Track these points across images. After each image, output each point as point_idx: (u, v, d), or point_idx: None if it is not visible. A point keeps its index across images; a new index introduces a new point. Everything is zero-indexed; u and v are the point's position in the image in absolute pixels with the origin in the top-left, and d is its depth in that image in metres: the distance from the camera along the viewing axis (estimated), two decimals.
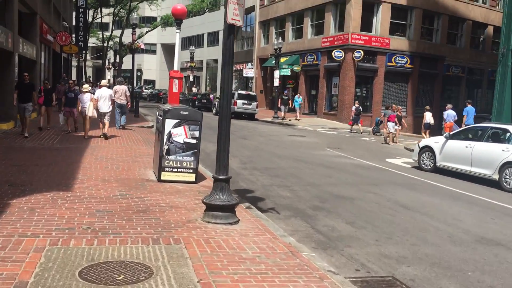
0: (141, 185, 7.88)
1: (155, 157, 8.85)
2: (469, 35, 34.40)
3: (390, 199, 8.91)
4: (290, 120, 27.73)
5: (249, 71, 40.15)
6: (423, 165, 13.31)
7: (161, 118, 8.40)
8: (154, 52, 68.89)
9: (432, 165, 13.06)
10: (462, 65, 33.78)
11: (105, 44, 47.86)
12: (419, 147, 13.69)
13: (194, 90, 44.93)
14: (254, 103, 28.57)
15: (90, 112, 13.17)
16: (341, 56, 28.86)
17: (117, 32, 46.77)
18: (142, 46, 47.41)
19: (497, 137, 11.78)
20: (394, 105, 22.16)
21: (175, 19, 11.50)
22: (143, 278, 4.07)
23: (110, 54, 50.14)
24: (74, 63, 40.38)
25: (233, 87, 28.53)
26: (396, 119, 20.60)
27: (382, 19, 29.55)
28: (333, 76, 30.90)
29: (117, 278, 4.02)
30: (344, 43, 28.94)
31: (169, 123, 8.18)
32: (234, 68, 33.30)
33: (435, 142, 13.26)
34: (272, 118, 28.67)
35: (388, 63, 30.07)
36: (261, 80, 39.97)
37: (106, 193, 7.11)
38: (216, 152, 6.12)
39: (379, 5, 29.46)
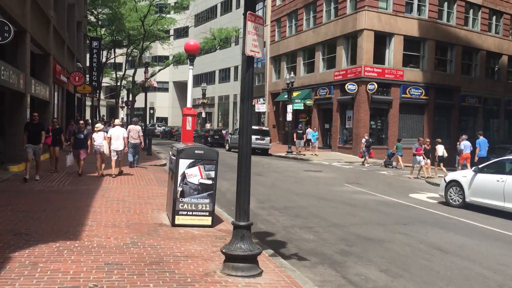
0: (154, 231, 7.31)
1: (169, 199, 8.32)
2: (483, 65, 33.99)
3: (423, 241, 8.18)
4: (304, 155, 27.16)
5: (261, 106, 40.04)
6: (451, 201, 12.55)
7: (174, 158, 7.91)
8: (166, 90, 69.62)
9: (460, 200, 12.29)
10: (478, 95, 33.20)
11: (119, 84, 48.42)
12: (445, 181, 12.96)
13: (208, 126, 44.86)
14: (268, 138, 28.16)
15: (106, 149, 13.35)
16: (354, 89, 28.54)
17: (130, 72, 47.38)
18: (155, 84, 47.76)
19: None
20: (421, 138, 21.13)
21: (188, 55, 11.24)
22: None
23: (123, 93, 50.66)
24: (88, 102, 40.68)
25: None
26: (423, 152, 19.50)
27: (394, 51, 29.34)
28: (347, 109, 30.49)
29: None
30: (357, 76, 28.67)
31: (183, 163, 7.67)
32: None
33: (462, 176, 12.53)
34: (286, 152, 28.13)
35: (403, 95, 29.63)
36: (273, 114, 39.76)
37: (116, 241, 6.56)
38: (236, 196, 5.57)
39: (391, 37, 29.32)
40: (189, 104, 11.75)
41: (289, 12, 37.19)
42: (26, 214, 8.08)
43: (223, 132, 35.36)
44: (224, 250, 5.47)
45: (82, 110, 34.44)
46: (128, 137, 14.56)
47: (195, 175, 7.70)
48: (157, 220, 8.14)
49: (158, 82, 57.50)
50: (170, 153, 8.72)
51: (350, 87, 28.58)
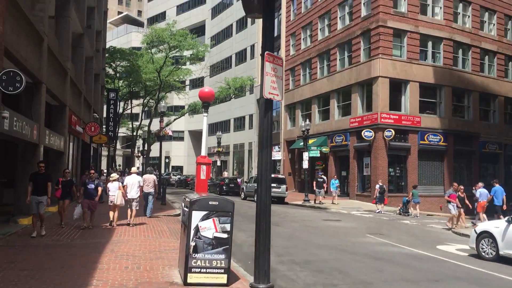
0: None
1: (181, 254, 7.72)
2: (502, 111, 33.42)
3: None
4: (321, 203, 26.31)
5: (277, 154, 39.66)
6: (483, 253, 11.65)
7: (187, 209, 7.39)
8: (182, 139, 70.05)
9: (494, 253, 11.40)
10: (498, 142, 32.41)
11: (135, 133, 48.88)
12: (476, 232, 12.12)
13: (225, 174, 44.46)
14: (284, 186, 27.51)
15: (119, 200, 13.45)
16: (371, 136, 28.08)
17: (146, 121, 47.92)
18: (170, 133, 48.09)
19: None
20: (455, 184, 19.66)
21: (203, 102, 11.01)
22: None
23: (139, 142, 51.04)
24: (104, 152, 40.89)
25: None
26: (457, 200, 18.24)
27: (410, 97, 29.04)
28: (364, 156, 29.89)
29: None
30: (373, 123, 28.27)
31: (197, 215, 7.15)
32: None
33: (495, 226, 11.69)
34: (302, 201, 27.33)
35: (421, 142, 29.01)
36: (288, 162, 39.28)
37: None
38: (254, 252, 5.01)
39: (406, 84, 29.12)
40: (203, 152, 11.40)
41: (303, 61, 37.58)
42: (28, 273, 7.53)
43: (239, 180, 34.83)
44: None
45: (97, 160, 34.49)
46: (143, 186, 14.92)
47: (209, 228, 7.15)
48: (168, 278, 7.52)
49: (173, 131, 57.97)
50: (183, 204, 8.23)
51: (367, 134, 28.15)
